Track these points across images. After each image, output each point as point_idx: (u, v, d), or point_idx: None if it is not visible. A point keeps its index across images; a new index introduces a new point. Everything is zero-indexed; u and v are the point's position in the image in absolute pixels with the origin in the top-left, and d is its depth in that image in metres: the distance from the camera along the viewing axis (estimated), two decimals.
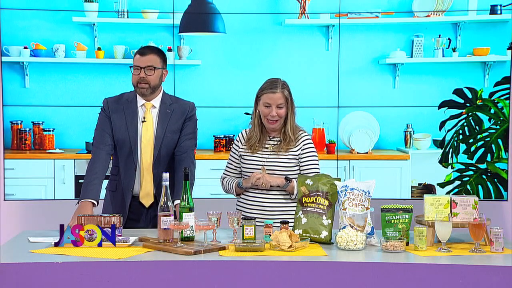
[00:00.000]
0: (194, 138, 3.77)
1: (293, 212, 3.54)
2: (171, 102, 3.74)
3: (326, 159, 5.24)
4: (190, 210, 3.22)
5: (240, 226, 3.26)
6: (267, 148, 3.68)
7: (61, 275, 2.86)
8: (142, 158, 3.67)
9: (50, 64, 5.22)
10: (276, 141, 3.68)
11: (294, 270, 2.91)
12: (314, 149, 3.70)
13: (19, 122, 5.22)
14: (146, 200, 3.69)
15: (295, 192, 3.58)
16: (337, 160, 5.25)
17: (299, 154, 3.66)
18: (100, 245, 3.13)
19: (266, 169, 3.62)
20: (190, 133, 3.74)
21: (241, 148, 3.73)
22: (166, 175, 3.21)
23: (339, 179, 3.40)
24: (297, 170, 3.66)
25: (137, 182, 3.69)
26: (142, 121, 3.68)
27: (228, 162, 3.80)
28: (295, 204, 3.54)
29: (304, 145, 3.67)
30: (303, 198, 3.37)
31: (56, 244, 3.13)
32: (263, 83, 3.67)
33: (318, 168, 3.67)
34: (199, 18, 5.20)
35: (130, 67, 3.69)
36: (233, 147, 3.78)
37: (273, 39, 5.25)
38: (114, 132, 3.67)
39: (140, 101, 3.70)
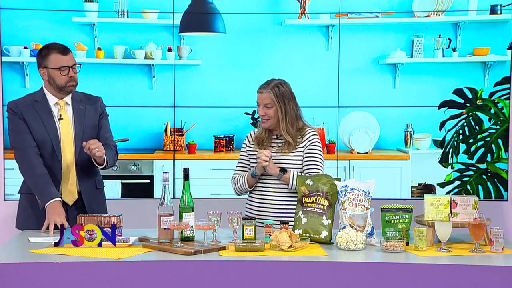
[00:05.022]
0: (111, 133, 3.82)
1: None
2: (81, 98, 3.73)
3: (326, 159, 5.19)
4: (190, 210, 3.22)
5: (240, 226, 3.26)
6: (273, 147, 3.70)
7: (61, 275, 2.86)
8: (64, 156, 3.64)
9: None
10: (282, 140, 3.70)
11: (294, 270, 2.91)
12: (318, 147, 3.69)
13: None
14: (70, 198, 3.65)
15: (291, 182, 3.60)
16: (337, 160, 5.25)
17: (303, 151, 3.67)
18: (100, 245, 3.13)
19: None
20: (109, 131, 3.78)
21: (250, 147, 3.76)
22: (166, 175, 3.21)
23: (339, 179, 3.40)
24: None
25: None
26: (59, 119, 3.65)
27: (238, 163, 3.83)
28: None
29: (308, 142, 3.68)
30: (303, 198, 3.37)
31: (56, 244, 3.13)
32: None
33: (320, 166, 3.66)
34: (199, 18, 5.20)
35: (45, 68, 3.62)
36: (242, 148, 3.82)
37: (273, 39, 5.25)
38: (32, 133, 3.62)
39: (52, 99, 3.67)
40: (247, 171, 3.76)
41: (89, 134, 3.67)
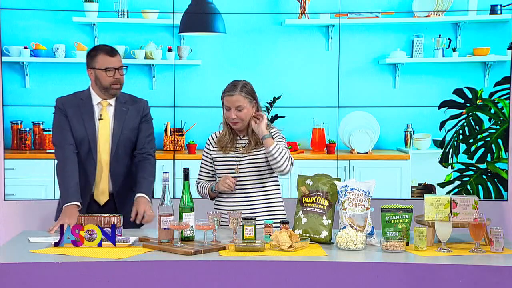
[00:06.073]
0: (153, 139, 3.82)
1: (273, 206, 3.67)
2: (126, 100, 3.75)
3: (326, 159, 5.24)
4: (190, 210, 3.22)
5: (240, 226, 3.26)
6: (237, 148, 3.69)
7: (61, 275, 2.86)
8: (99, 156, 3.67)
9: (50, 64, 5.21)
10: (246, 140, 3.69)
11: (294, 270, 2.91)
12: (282, 139, 3.67)
13: (19, 122, 5.22)
14: (101, 198, 3.69)
15: (270, 149, 3.54)
16: (337, 160, 5.25)
17: None
18: (100, 245, 3.13)
19: (240, 169, 3.64)
20: (149, 135, 3.78)
21: (213, 151, 3.74)
22: (166, 175, 3.21)
23: (339, 179, 3.40)
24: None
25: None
26: (99, 119, 3.67)
27: (201, 167, 3.80)
28: (273, 198, 3.67)
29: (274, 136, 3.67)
30: (303, 198, 3.37)
31: (56, 244, 3.14)
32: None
33: (283, 145, 3.63)
34: (199, 18, 5.20)
35: (92, 68, 3.65)
36: (204, 152, 3.79)
37: (273, 39, 5.24)
38: (73, 131, 3.66)
39: (96, 99, 3.70)
40: (211, 176, 3.76)
41: (127, 136, 3.69)
